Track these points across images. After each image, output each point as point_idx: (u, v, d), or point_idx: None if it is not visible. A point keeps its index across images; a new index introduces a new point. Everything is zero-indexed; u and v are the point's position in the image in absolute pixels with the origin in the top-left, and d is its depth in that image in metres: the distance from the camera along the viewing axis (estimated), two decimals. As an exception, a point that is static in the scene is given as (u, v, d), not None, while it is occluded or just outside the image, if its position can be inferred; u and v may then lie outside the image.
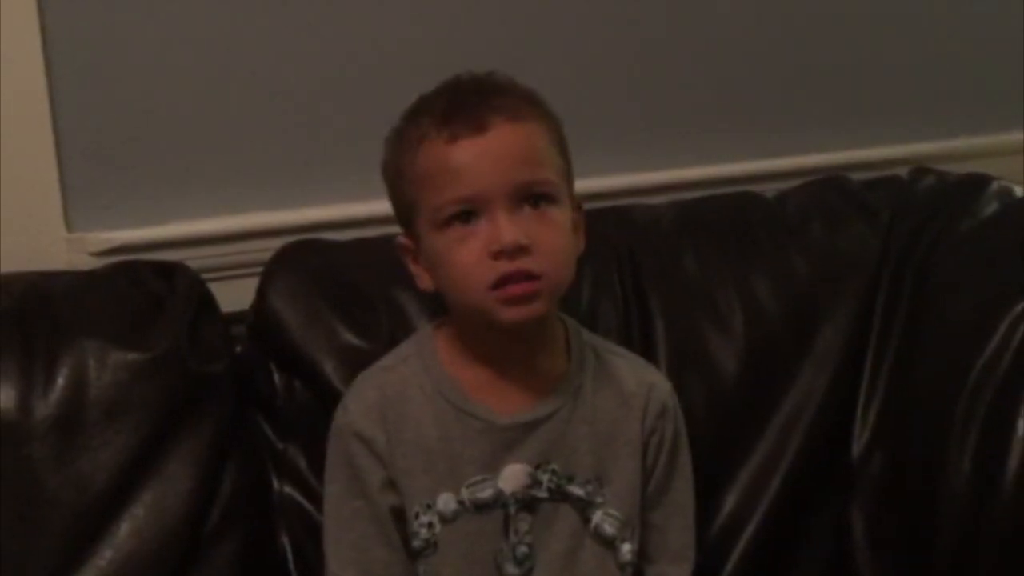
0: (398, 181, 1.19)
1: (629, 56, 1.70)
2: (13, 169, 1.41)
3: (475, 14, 1.61)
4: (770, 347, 1.49)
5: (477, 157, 1.12)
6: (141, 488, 1.28)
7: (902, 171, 1.67)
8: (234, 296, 1.43)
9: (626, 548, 1.23)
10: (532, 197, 1.14)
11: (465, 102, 1.14)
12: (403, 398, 1.20)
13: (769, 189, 1.64)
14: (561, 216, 1.16)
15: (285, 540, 1.37)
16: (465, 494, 1.19)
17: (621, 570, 1.23)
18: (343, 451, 1.21)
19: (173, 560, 1.28)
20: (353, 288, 1.41)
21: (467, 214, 1.13)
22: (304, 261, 1.43)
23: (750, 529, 1.44)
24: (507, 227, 1.11)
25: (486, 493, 1.19)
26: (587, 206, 1.25)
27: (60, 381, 1.27)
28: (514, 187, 1.12)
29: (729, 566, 1.43)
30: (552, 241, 1.14)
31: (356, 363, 1.30)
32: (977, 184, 1.57)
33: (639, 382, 1.26)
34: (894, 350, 1.50)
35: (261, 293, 1.40)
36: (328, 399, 1.30)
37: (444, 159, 1.13)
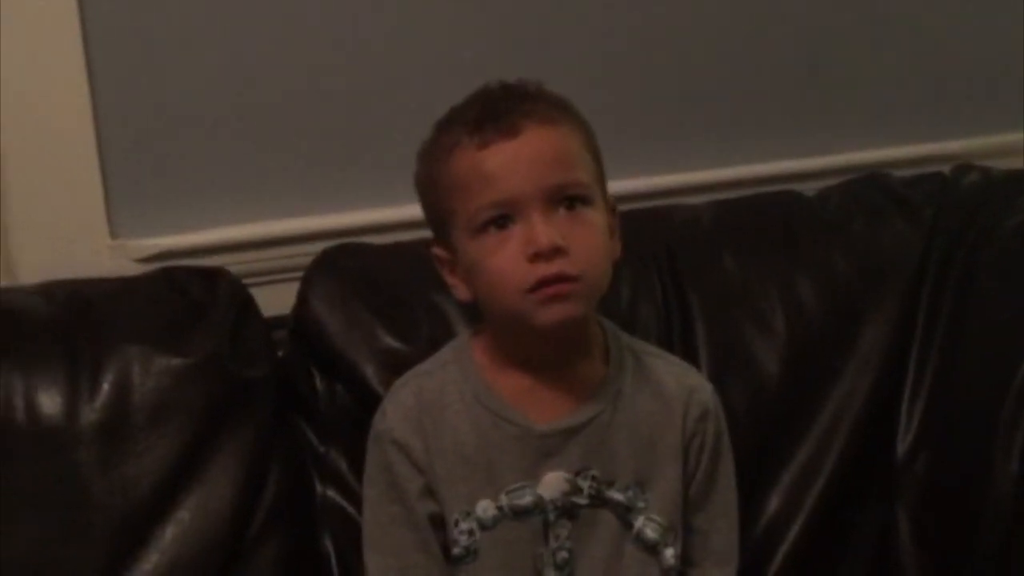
0: (432, 191, 1.19)
1: (668, 56, 1.68)
2: (57, 177, 1.42)
3: (507, 16, 1.60)
4: (812, 347, 1.47)
5: (510, 161, 1.12)
6: (185, 492, 1.29)
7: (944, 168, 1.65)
8: (275, 301, 1.44)
9: (669, 553, 1.22)
10: (566, 199, 1.14)
11: (496, 108, 1.14)
12: (441, 404, 1.20)
13: (809, 188, 1.63)
14: (596, 218, 1.16)
15: (328, 543, 1.38)
16: (504, 501, 1.18)
17: (664, 575, 1.22)
18: (381, 457, 1.21)
19: (217, 564, 1.29)
20: (393, 292, 1.42)
21: (502, 219, 1.13)
22: (344, 265, 1.43)
23: (795, 530, 1.43)
24: (543, 229, 1.11)
25: (525, 500, 1.18)
26: (625, 207, 1.24)
27: (105, 387, 1.28)
28: (548, 189, 1.12)
29: (774, 567, 1.42)
30: (588, 242, 1.14)
31: (396, 366, 1.31)
32: (1022, 180, 1.55)
33: (679, 385, 1.25)
34: (938, 349, 1.48)
35: (302, 297, 1.41)
36: (369, 402, 1.31)
37: (477, 165, 1.13)
